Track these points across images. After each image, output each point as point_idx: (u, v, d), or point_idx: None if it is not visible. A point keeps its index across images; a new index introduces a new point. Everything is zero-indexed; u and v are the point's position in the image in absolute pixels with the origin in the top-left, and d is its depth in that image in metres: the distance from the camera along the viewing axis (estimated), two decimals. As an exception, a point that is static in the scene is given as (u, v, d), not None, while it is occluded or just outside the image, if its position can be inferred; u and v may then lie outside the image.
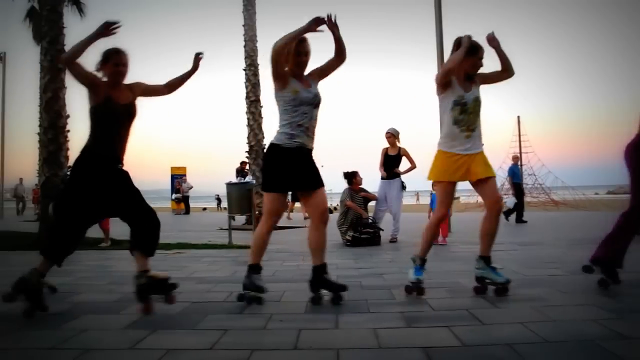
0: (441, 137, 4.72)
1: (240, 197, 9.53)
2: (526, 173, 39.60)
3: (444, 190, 4.69)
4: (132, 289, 4.03)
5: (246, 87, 14.59)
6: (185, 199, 28.36)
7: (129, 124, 4.20)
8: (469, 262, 6.64)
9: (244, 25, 14.83)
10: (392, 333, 3.37)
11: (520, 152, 38.57)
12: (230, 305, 4.32)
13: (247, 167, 17.29)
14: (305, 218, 16.98)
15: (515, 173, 14.58)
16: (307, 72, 4.44)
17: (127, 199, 4.10)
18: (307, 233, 4.55)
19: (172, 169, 32.43)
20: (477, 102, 4.60)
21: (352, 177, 9.95)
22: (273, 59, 4.17)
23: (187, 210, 28.10)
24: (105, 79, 4.13)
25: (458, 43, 4.55)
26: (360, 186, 9.90)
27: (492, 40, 4.55)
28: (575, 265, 6.04)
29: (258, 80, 14.72)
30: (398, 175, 9.79)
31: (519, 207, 14.10)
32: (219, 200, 44.66)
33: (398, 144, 9.81)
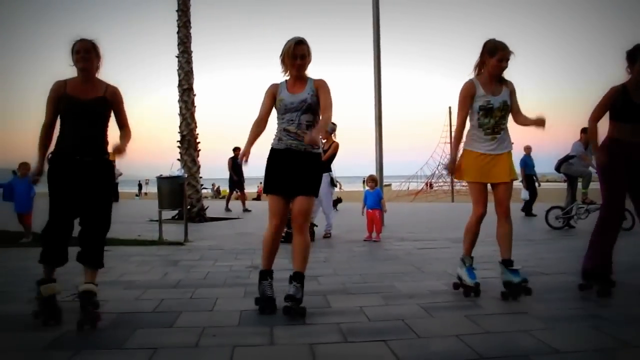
0: (467, 136, 4.81)
1: (171, 191, 9.24)
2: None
3: (477, 190, 4.73)
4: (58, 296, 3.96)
5: (179, 74, 14.14)
6: (114, 186, 27.43)
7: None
8: (402, 262, 6.71)
9: (177, 11, 14.36)
10: (329, 350, 3.30)
11: (451, 142, 39.52)
12: (161, 316, 4.14)
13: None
14: (244, 210, 16.77)
15: (527, 164, 14.35)
16: (316, 77, 4.37)
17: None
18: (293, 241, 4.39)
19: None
20: (504, 106, 4.64)
21: None
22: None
23: (116, 198, 27.17)
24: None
25: (484, 47, 4.64)
26: None
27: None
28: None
29: (191, 68, 14.29)
30: (328, 170, 9.67)
31: (531, 199, 14.10)
32: (140, 186, 43.83)
33: (333, 139, 9.68)
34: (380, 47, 12.30)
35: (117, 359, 3.17)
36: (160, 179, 9.37)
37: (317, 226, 9.48)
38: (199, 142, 14.29)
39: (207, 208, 14.09)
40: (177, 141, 14.14)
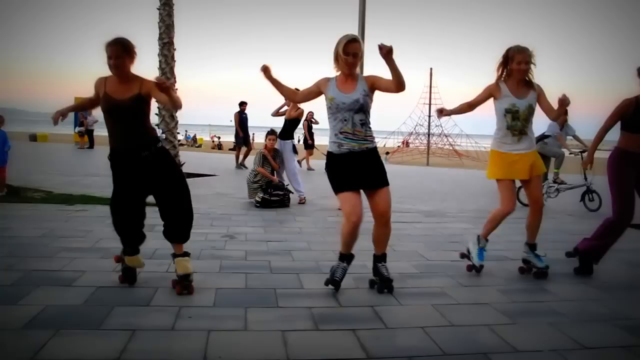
0: (494, 137, 5.12)
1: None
2: (433, 124, 40.89)
3: (505, 187, 5.04)
4: (36, 264, 3.99)
5: (159, 27, 13.83)
6: (89, 133, 27.08)
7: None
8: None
9: (159, -40, 13.97)
10: (301, 339, 3.45)
11: (430, 104, 39.64)
12: (137, 291, 4.26)
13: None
14: (240, 165, 17.01)
15: None
16: (366, 73, 4.45)
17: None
18: (372, 229, 4.62)
19: (76, 99, 30.77)
20: (529, 109, 4.89)
21: (265, 137, 9.95)
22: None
23: (91, 145, 26.92)
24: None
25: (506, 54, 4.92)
26: (276, 147, 9.88)
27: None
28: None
29: (172, 22, 13.97)
30: (291, 137, 10.32)
31: None
32: None
33: (299, 106, 10.14)
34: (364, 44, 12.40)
35: (97, 340, 3.27)
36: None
37: (292, 192, 9.61)
38: (178, 97, 14.15)
39: (183, 164, 14.05)
40: (156, 95, 13.98)
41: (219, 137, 45.53)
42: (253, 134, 18.22)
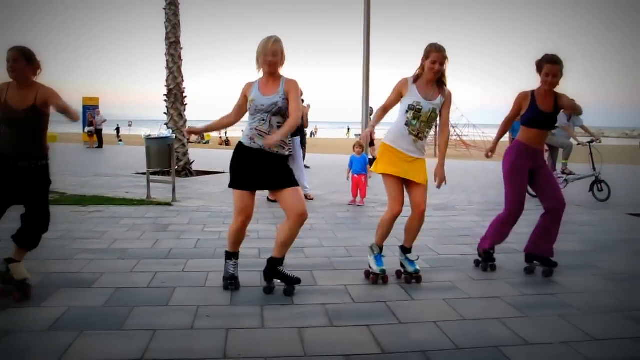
0: (390, 131, 4.82)
1: (159, 152, 9.33)
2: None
3: (393, 184, 4.74)
4: (56, 267, 4.06)
5: (166, 27, 13.95)
6: (98, 132, 27.29)
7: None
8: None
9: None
10: (316, 335, 3.55)
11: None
12: (156, 292, 4.36)
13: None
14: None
15: (515, 129, 14.48)
16: (287, 77, 4.39)
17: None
18: (280, 225, 4.56)
19: (85, 99, 30.99)
20: (433, 113, 4.66)
21: None
22: None
23: (100, 144, 27.14)
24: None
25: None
26: None
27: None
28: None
29: (179, 21, 14.10)
30: (297, 134, 10.10)
31: None
32: (117, 130, 43.28)
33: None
34: (370, 46, 12.61)
35: (120, 341, 3.38)
36: (149, 139, 9.44)
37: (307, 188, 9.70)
38: (185, 97, 14.26)
39: (193, 162, 14.19)
40: (164, 94, 14.10)
41: (225, 133, 45.62)
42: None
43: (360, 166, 9.47)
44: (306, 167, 17.09)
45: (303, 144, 10.43)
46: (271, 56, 4.23)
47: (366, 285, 4.69)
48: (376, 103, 17.13)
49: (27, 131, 4.16)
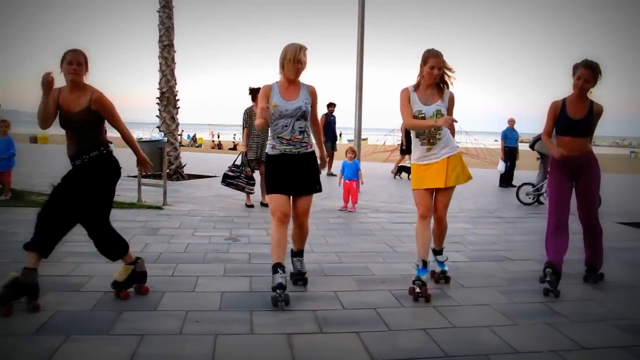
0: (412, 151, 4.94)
1: (150, 155, 9.21)
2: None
3: (418, 195, 4.78)
4: (44, 270, 4.12)
5: (159, 30, 13.92)
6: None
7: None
8: (376, 239, 6.95)
9: (158, -37, 14.04)
10: (306, 342, 3.53)
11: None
12: (145, 297, 4.32)
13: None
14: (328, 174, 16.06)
15: (507, 137, 14.67)
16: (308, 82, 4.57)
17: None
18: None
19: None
20: (438, 114, 4.65)
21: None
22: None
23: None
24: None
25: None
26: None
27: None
28: (475, 248, 6.49)
29: (172, 24, 14.05)
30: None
31: (509, 171, 14.57)
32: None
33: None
34: (363, 46, 12.61)
35: (107, 345, 3.35)
36: (141, 142, 9.38)
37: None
38: (178, 100, 14.22)
39: (184, 166, 14.13)
40: (157, 97, 14.05)
41: (218, 136, 45.64)
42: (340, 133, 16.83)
43: (352, 172, 9.47)
44: (332, 174, 15.58)
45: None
46: (300, 64, 4.39)
47: (356, 291, 4.68)
48: (369, 106, 17.04)
49: (85, 132, 4.16)
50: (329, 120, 16.02)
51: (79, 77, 4.10)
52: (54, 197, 4.07)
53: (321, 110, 16.17)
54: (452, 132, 4.84)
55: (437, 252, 5.14)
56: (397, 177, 16.20)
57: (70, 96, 4.12)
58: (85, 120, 4.11)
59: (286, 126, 4.44)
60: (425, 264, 4.61)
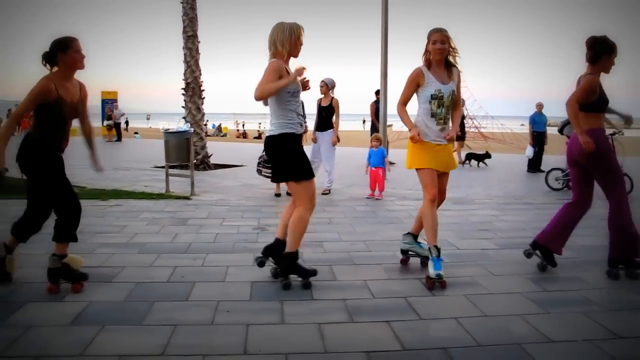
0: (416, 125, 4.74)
1: (177, 146, 9.36)
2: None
3: (429, 176, 4.65)
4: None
5: (183, 21, 13.97)
6: (117, 126, 27.53)
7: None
8: (404, 226, 6.87)
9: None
10: (337, 331, 3.53)
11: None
12: (175, 286, 4.37)
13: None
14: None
15: (535, 121, 14.52)
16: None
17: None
18: (287, 210, 4.67)
19: (103, 93, 31.25)
20: (452, 95, 4.69)
21: None
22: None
23: (119, 137, 27.37)
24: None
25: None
26: None
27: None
28: (505, 235, 6.42)
29: (196, 14, 14.11)
30: (331, 127, 9.72)
31: (537, 157, 14.47)
32: (127, 123, 43.42)
33: (331, 95, 9.70)
34: (387, 47, 12.55)
35: (141, 336, 3.40)
36: (167, 134, 9.48)
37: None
38: (203, 90, 14.29)
39: (211, 155, 14.22)
40: (182, 88, 14.14)
41: (243, 125, 45.79)
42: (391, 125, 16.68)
43: (378, 159, 9.43)
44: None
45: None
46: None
47: (386, 280, 4.67)
48: (394, 92, 16.84)
49: (69, 123, 4.33)
50: (378, 108, 15.62)
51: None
52: (68, 188, 4.36)
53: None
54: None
55: (415, 237, 5.07)
56: (464, 165, 16.29)
57: (69, 86, 4.20)
58: (79, 110, 4.34)
59: (299, 104, 4.51)
60: (439, 251, 4.54)
